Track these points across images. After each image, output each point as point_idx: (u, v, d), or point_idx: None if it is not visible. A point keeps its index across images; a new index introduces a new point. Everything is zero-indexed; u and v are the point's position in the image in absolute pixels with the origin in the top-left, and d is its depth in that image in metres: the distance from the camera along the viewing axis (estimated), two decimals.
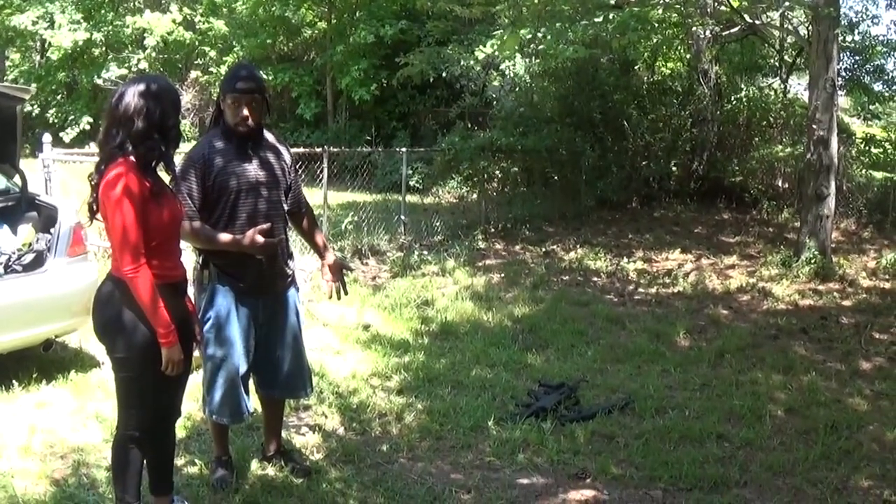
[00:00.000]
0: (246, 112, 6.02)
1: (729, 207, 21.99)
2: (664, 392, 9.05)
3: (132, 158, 4.97)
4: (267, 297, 6.27)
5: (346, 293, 6.82)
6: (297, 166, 6.74)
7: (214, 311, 6.12)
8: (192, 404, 7.43)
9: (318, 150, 16.49)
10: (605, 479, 6.87)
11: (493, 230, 18.85)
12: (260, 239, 5.84)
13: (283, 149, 6.48)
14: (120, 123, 5.00)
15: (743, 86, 23.94)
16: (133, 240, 4.92)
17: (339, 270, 6.71)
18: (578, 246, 17.63)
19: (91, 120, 34.40)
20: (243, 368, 6.23)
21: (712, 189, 22.76)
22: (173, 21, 34.37)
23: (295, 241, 7.36)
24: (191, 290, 5.83)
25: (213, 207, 6.06)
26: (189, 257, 5.99)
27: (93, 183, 5.11)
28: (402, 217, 17.94)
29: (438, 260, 15.73)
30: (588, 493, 6.63)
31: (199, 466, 6.78)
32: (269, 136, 6.41)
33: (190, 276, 5.83)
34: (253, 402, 6.55)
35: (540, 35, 16.83)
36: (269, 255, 6.11)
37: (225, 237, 5.96)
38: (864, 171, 21.62)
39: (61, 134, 33.41)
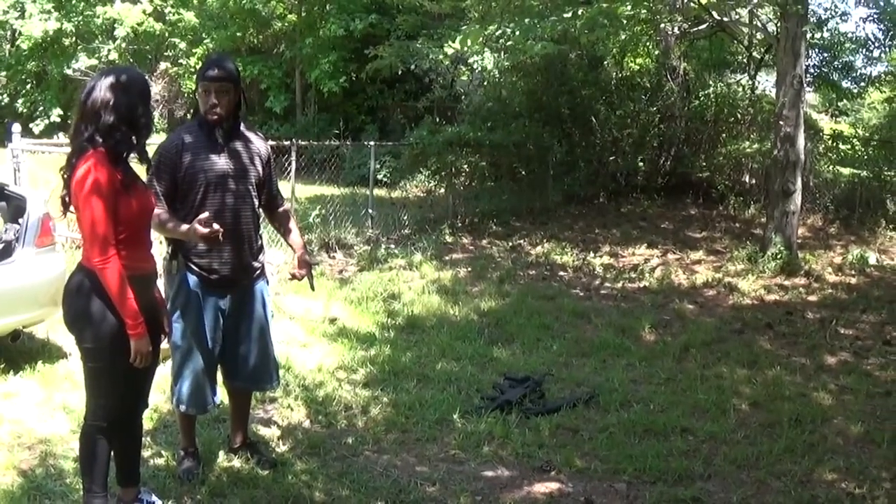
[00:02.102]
0: (215, 99, 6.07)
1: (696, 203, 22.02)
2: (629, 386, 9.11)
3: (102, 150, 4.99)
4: (235, 288, 6.30)
5: (312, 289, 6.86)
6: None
7: (182, 301, 6.17)
8: (160, 396, 7.45)
9: (287, 142, 16.47)
10: (569, 472, 6.92)
11: (460, 224, 18.85)
12: (201, 229, 5.79)
13: (258, 142, 6.51)
14: (89, 117, 5.03)
15: (711, 82, 23.97)
16: (102, 233, 4.95)
17: (307, 266, 6.73)
18: (545, 240, 17.67)
19: (61, 112, 34.29)
20: (210, 359, 6.28)
21: (679, 184, 22.82)
22: (144, 12, 34.14)
23: (262, 232, 7.35)
24: (160, 282, 5.84)
25: (184, 201, 6.11)
26: (159, 249, 6.00)
27: (65, 176, 5.13)
28: (370, 210, 17.91)
29: (406, 254, 15.74)
30: (552, 486, 6.67)
31: (165, 458, 6.79)
32: (247, 130, 6.46)
33: (160, 266, 5.85)
34: (220, 394, 6.57)
35: (509, 30, 16.82)
36: (237, 248, 6.15)
37: (172, 224, 5.96)
38: (831, 168, 21.73)
39: (31, 125, 33.30)
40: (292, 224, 6.84)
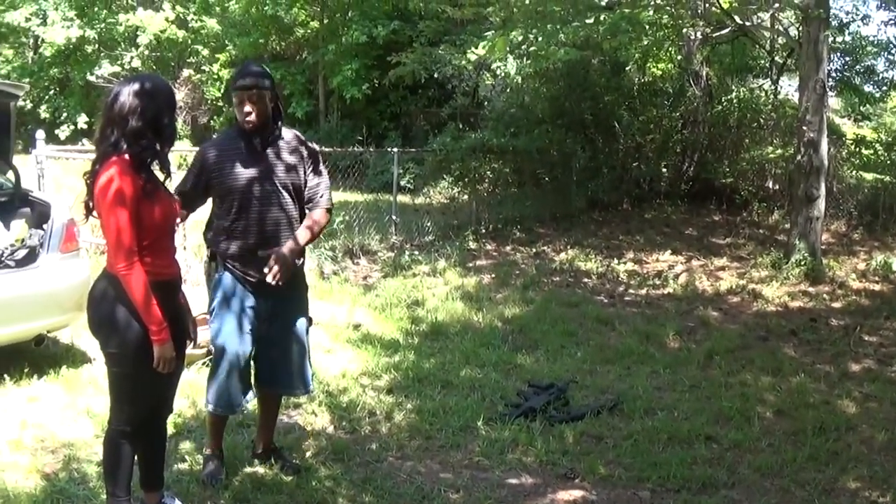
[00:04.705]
0: (248, 108, 6.09)
1: (719, 209, 21.94)
2: (653, 393, 9.09)
3: (126, 157, 5.00)
4: (274, 293, 6.26)
5: (279, 283, 6.13)
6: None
7: (219, 301, 6.24)
8: (184, 401, 7.46)
9: None
10: (593, 480, 6.90)
11: (484, 231, 18.85)
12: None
13: (298, 144, 6.44)
14: (115, 123, 5.04)
15: (734, 87, 23.90)
16: (126, 241, 4.97)
17: (281, 260, 6.09)
18: (569, 247, 17.65)
19: (87, 119, 34.40)
20: (243, 361, 6.29)
21: (703, 190, 22.74)
22: (166, 19, 34.28)
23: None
24: (186, 288, 5.85)
25: (220, 207, 6.25)
26: (182, 256, 6.01)
27: (88, 182, 5.14)
28: (394, 217, 17.94)
29: (429, 260, 15.75)
30: (576, 494, 6.66)
31: (189, 462, 6.81)
32: (288, 134, 6.45)
33: (200, 270, 5.87)
34: (251, 397, 6.56)
35: (531, 36, 16.81)
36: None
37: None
38: (854, 173, 21.64)
39: (57, 131, 33.45)
40: (309, 221, 6.40)
